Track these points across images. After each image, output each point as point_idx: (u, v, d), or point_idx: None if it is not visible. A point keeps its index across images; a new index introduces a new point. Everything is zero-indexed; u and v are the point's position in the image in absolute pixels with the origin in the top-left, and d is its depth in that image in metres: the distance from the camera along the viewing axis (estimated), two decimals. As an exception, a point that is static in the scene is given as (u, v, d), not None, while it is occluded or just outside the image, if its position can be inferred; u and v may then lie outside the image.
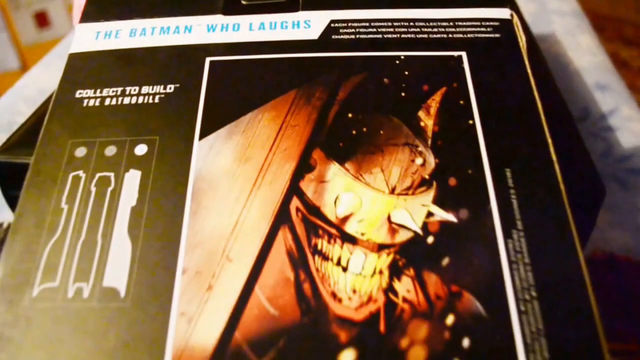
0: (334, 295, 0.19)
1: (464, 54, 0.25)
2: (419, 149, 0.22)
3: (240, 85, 0.24)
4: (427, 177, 0.22)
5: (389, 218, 0.21)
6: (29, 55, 1.70)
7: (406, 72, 0.25)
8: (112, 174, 0.22)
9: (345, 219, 0.21)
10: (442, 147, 0.22)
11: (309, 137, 0.23)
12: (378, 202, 0.21)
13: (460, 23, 0.26)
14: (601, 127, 0.46)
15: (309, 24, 0.27)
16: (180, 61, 0.26)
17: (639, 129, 0.46)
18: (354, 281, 0.19)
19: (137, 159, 0.22)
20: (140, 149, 0.23)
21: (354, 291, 0.19)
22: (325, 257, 0.20)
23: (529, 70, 0.25)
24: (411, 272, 0.20)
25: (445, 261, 0.20)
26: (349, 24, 0.27)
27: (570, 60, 0.55)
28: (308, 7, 0.28)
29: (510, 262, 0.20)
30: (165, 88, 0.25)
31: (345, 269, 0.20)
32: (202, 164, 0.22)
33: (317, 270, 0.20)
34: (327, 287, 0.19)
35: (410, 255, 0.20)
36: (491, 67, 0.25)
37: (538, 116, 0.23)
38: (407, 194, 0.21)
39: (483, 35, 0.26)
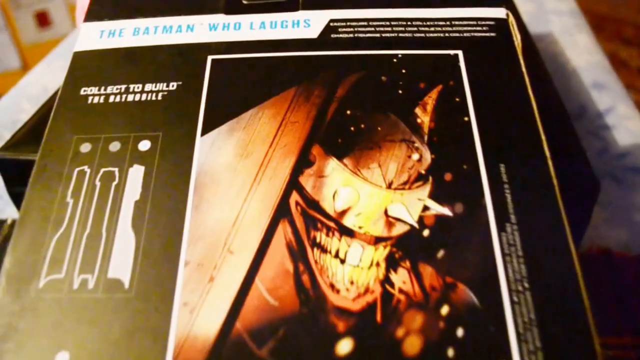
0: (332, 286, 0.20)
1: (460, 53, 0.26)
2: (416, 145, 0.23)
3: (241, 83, 0.25)
4: (423, 172, 0.22)
5: (385, 212, 0.21)
6: (29, 54, 1.70)
7: (403, 70, 0.25)
8: (116, 169, 0.23)
9: (343, 212, 0.21)
10: (438, 143, 0.23)
11: (308, 133, 0.23)
12: (375, 197, 0.22)
13: (456, 22, 0.27)
14: (598, 125, 0.47)
15: (309, 23, 0.27)
16: (182, 59, 0.26)
17: (635, 127, 0.46)
18: (352, 273, 0.20)
19: (140, 154, 0.23)
20: (144, 145, 0.23)
21: (352, 282, 0.20)
22: (323, 250, 0.20)
23: (523, 69, 0.25)
24: (407, 264, 0.20)
25: (441, 254, 0.20)
26: (348, 23, 0.27)
27: (567, 60, 0.55)
28: (308, 6, 0.28)
29: (503, 255, 0.20)
30: (168, 86, 0.25)
31: (343, 261, 0.20)
32: (204, 160, 0.23)
33: (315, 262, 0.20)
34: (326, 278, 0.20)
35: (407, 247, 0.20)
36: (487, 65, 0.25)
37: (532, 113, 0.24)
38: (403, 189, 0.22)
39: (479, 34, 0.26)
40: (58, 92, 0.39)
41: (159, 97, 0.25)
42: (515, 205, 0.21)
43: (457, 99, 0.24)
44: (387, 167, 0.22)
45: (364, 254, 0.20)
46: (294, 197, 0.22)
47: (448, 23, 0.27)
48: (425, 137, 0.23)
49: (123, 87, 0.25)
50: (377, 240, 0.21)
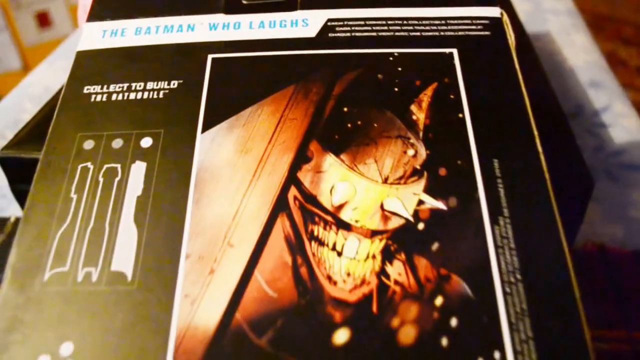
0: (329, 278, 0.20)
1: (455, 51, 0.26)
2: (411, 141, 0.23)
3: (240, 81, 0.26)
4: (418, 167, 0.23)
5: (381, 206, 0.22)
6: (30, 55, 1.71)
7: (399, 68, 0.26)
8: (119, 165, 0.23)
9: (340, 207, 0.22)
10: (433, 139, 0.23)
11: (306, 130, 0.24)
12: (372, 191, 0.22)
13: (451, 21, 0.27)
14: (594, 123, 0.47)
15: (307, 23, 0.28)
16: (183, 58, 0.27)
17: (631, 125, 0.47)
18: (348, 265, 0.21)
19: (142, 151, 0.23)
20: (146, 142, 0.24)
21: (348, 274, 0.20)
22: (321, 243, 0.21)
23: (517, 66, 0.26)
24: (402, 256, 0.21)
25: (435, 246, 0.21)
26: (345, 23, 0.28)
27: (564, 59, 0.56)
28: (306, 6, 0.29)
29: (496, 247, 0.21)
30: (169, 84, 0.26)
31: (340, 254, 0.21)
32: (204, 156, 0.23)
33: (313, 255, 0.21)
34: (323, 270, 0.20)
35: (402, 240, 0.21)
36: (481, 63, 0.26)
37: (525, 110, 0.24)
38: (399, 184, 0.22)
39: (474, 33, 0.27)
40: (60, 91, 0.40)
41: (161, 95, 0.25)
42: (508, 199, 0.22)
43: (452, 96, 0.25)
44: (383, 163, 0.23)
45: (361, 246, 0.21)
46: (293, 192, 0.22)
47: (443, 22, 0.27)
48: (421, 134, 0.24)
49: (125, 85, 0.26)
50: (373, 234, 0.21)
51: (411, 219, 0.21)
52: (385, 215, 0.21)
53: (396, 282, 0.20)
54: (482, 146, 0.23)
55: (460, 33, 0.27)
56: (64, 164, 0.23)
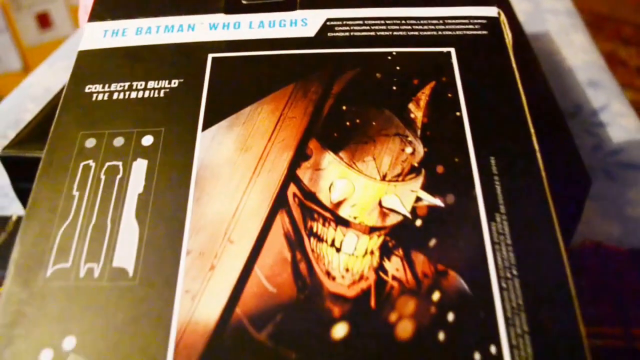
0: (328, 273, 0.21)
1: (452, 50, 0.26)
2: (409, 139, 0.24)
3: (240, 80, 0.26)
4: (416, 165, 0.23)
5: (380, 203, 0.22)
6: (30, 56, 1.71)
7: (398, 67, 0.26)
8: (120, 163, 0.23)
9: (339, 203, 0.22)
10: (431, 137, 0.24)
11: (305, 128, 0.24)
12: (370, 188, 0.22)
13: (449, 21, 0.28)
14: (592, 122, 0.48)
15: (306, 22, 0.28)
16: (183, 58, 0.27)
17: (629, 125, 0.47)
18: (347, 261, 0.21)
19: (143, 149, 0.24)
20: (147, 140, 0.24)
21: (347, 270, 0.21)
22: (320, 239, 0.21)
23: (514, 65, 0.26)
24: (400, 252, 0.21)
25: (433, 242, 0.21)
26: (344, 22, 0.28)
27: (563, 58, 0.56)
28: (305, 6, 0.29)
29: (493, 243, 0.21)
30: (170, 83, 0.26)
31: (338, 250, 0.21)
32: (205, 154, 0.24)
33: (312, 250, 0.21)
34: (322, 266, 0.21)
35: (400, 237, 0.21)
36: (478, 62, 0.26)
37: (522, 108, 0.24)
38: (397, 181, 0.23)
39: (471, 32, 0.27)
40: (61, 91, 0.40)
41: (161, 94, 0.26)
42: (505, 196, 0.22)
43: (450, 95, 0.25)
44: (382, 160, 0.23)
45: (359, 243, 0.21)
46: (292, 189, 0.22)
47: (441, 22, 0.28)
48: (418, 132, 0.24)
49: (126, 84, 0.26)
50: (372, 230, 0.21)
51: (409, 215, 0.22)
52: (383, 212, 0.22)
53: (394, 278, 0.20)
54: (479, 144, 0.23)
55: (457, 32, 0.27)
56: (66, 162, 0.24)
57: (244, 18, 0.29)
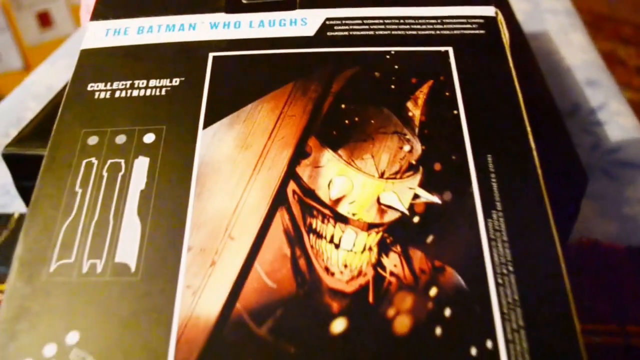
0: (327, 269, 0.21)
1: (450, 49, 0.27)
2: (407, 137, 0.24)
3: (241, 79, 0.26)
4: (414, 162, 0.23)
5: (378, 200, 0.22)
6: (31, 54, 1.72)
7: (396, 66, 0.26)
8: (122, 160, 0.24)
9: (338, 200, 0.22)
10: (429, 135, 0.24)
11: (305, 126, 0.24)
12: (368, 186, 0.23)
13: (447, 20, 0.28)
14: (591, 121, 0.48)
15: (306, 22, 0.29)
16: (185, 56, 0.27)
17: (627, 123, 0.47)
18: (346, 257, 0.21)
19: (145, 146, 0.24)
20: (149, 138, 0.24)
21: (346, 266, 0.21)
22: (319, 235, 0.22)
23: (511, 64, 0.26)
24: (398, 248, 0.21)
25: (430, 239, 0.21)
26: (343, 22, 0.28)
27: (562, 58, 0.56)
28: (305, 5, 0.29)
29: (489, 240, 0.21)
30: (171, 81, 0.26)
31: (337, 246, 0.21)
32: (205, 151, 0.24)
33: (311, 247, 0.21)
34: (321, 262, 0.21)
35: (398, 233, 0.22)
36: (476, 61, 0.26)
37: (519, 107, 0.25)
38: (395, 178, 0.23)
39: (469, 31, 0.28)
40: (63, 90, 0.41)
41: (163, 93, 0.26)
42: (501, 194, 0.22)
43: (447, 94, 0.25)
44: (380, 158, 0.23)
45: (357, 239, 0.22)
46: (291, 186, 0.23)
47: (439, 21, 0.28)
48: (416, 130, 0.24)
49: (128, 83, 0.26)
50: (370, 227, 0.22)
51: (407, 212, 0.22)
52: (382, 208, 0.22)
53: (392, 274, 0.21)
54: (476, 142, 0.24)
55: (455, 32, 0.27)
56: (68, 159, 0.24)
57: (244, 17, 0.29)
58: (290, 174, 0.23)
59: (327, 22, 0.28)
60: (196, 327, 0.20)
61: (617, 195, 0.40)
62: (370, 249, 0.21)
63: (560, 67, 0.55)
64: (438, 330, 0.20)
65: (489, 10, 0.28)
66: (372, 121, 0.24)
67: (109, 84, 0.26)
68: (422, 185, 0.23)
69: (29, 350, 0.19)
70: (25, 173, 0.35)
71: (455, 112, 0.25)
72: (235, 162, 0.23)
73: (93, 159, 0.24)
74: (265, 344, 0.19)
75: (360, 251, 0.21)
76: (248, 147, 0.24)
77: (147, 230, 0.22)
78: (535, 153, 0.23)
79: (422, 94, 0.25)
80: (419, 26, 0.28)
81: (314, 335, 0.20)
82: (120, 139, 0.24)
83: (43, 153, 0.34)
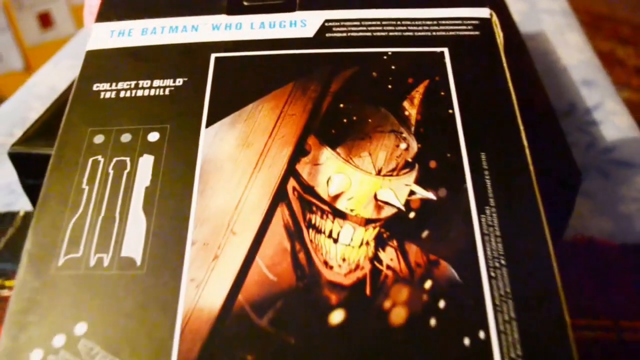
0: (325, 263, 0.22)
1: (446, 50, 0.28)
2: (403, 135, 0.25)
3: (242, 79, 0.27)
4: (410, 160, 0.24)
5: (375, 196, 0.23)
6: (32, 55, 1.72)
7: (393, 67, 0.27)
8: (127, 158, 0.24)
9: (336, 197, 0.23)
10: (424, 134, 0.25)
11: (304, 125, 0.25)
12: (366, 183, 0.23)
13: (443, 22, 0.29)
14: (586, 121, 0.48)
15: (305, 23, 0.29)
16: (187, 57, 0.28)
17: (622, 123, 0.48)
18: (344, 251, 0.22)
19: (150, 145, 0.25)
20: (153, 136, 0.25)
21: (344, 260, 0.22)
22: (318, 230, 0.22)
23: (505, 65, 0.27)
24: (394, 243, 0.22)
25: (425, 234, 0.22)
26: (342, 23, 0.29)
27: (558, 58, 0.57)
28: (304, 7, 0.30)
29: (482, 235, 0.22)
30: (174, 81, 0.27)
31: (336, 241, 0.22)
32: (208, 149, 0.25)
33: (311, 241, 0.22)
34: (320, 256, 0.22)
35: (394, 228, 0.22)
36: (471, 62, 0.27)
37: (512, 106, 0.26)
38: (391, 175, 0.24)
39: (464, 32, 0.28)
40: (67, 90, 0.41)
41: (166, 92, 0.27)
42: (494, 190, 0.23)
43: (443, 93, 0.26)
44: (377, 156, 0.24)
45: (355, 234, 0.22)
46: (291, 183, 0.24)
47: (435, 22, 0.29)
48: (413, 128, 0.25)
49: (133, 83, 0.27)
50: (367, 222, 0.22)
51: (403, 208, 0.23)
52: (379, 204, 0.23)
53: (388, 267, 0.21)
54: (470, 140, 0.24)
55: (451, 33, 0.28)
56: (75, 157, 0.25)
57: (245, 19, 0.30)
58: (290, 171, 0.24)
59: (326, 24, 0.29)
60: (200, 319, 0.21)
61: (612, 193, 0.41)
62: (367, 243, 0.22)
63: (557, 67, 0.55)
64: (433, 321, 0.20)
65: (483, 12, 0.29)
66: (370, 120, 0.25)
67: (114, 84, 0.27)
68: (418, 182, 0.23)
69: (38, 341, 0.20)
70: (31, 171, 0.36)
71: (450, 111, 0.25)
72: (237, 160, 0.24)
73: (99, 157, 0.25)
74: (266, 335, 0.20)
75: (357, 245, 0.22)
76: (249, 145, 0.25)
77: (152, 226, 0.23)
78: (527, 151, 0.24)
79: (418, 93, 0.26)
80: (415, 27, 0.29)
81: (313, 326, 0.20)
82: (126, 137, 0.25)
83: (48, 152, 0.34)
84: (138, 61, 0.28)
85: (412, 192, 0.23)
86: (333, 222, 0.23)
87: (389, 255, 0.22)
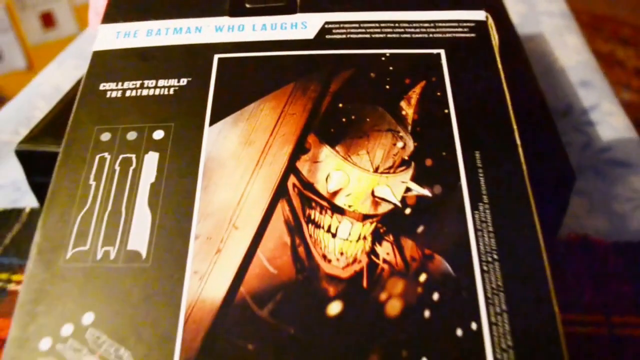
0: (324, 257, 0.22)
1: (442, 52, 0.28)
2: (400, 134, 0.26)
3: (244, 79, 0.28)
4: (406, 158, 0.25)
5: (372, 193, 0.24)
6: (35, 54, 1.73)
7: (391, 68, 0.28)
8: (133, 155, 0.25)
9: (335, 193, 0.24)
10: (421, 133, 0.26)
11: (304, 124, 0.26)
12: (363, 180, 0.24)
13: (439, 24, 0.30)
14: (583, 121, 0.49)
15: (306, 25, 0.30)
16: (191, 58, 0.29)
17: (618, 124, 0.49)
18: (342, 245, 0.23)
19: (155, 142, 0.26)
20: (158, 134, 0.26)
21: (342, 253, 0.22)
22: (317, 225, 0.23)
23: (500, 67, 0.28)
24: (390, 238, 0.23)
25: (420, 229, 0.23)
26: (341, 25, 0.30)
27: (556, 59, 0.58)
28: (305, 10, 0.31)
29: (476, 230, 0.23)
30: (179, 81, 0.28)
31: (334, 235, 0.23)
32: (211, 147, 0.25)
33: (310, 236, 0.23)
34: (319, 250, 0.23)
35: (390, 224, 0.23)
36: (466, 63, 0.28)
37: (506, 106, 0.26)
38: (388, 173, 0.24)
39: (460, 35, 0.29)
40: (71, 89, 0.42)
41: (171, 92, 0.27)
42: (488, 188, 0.24)
43: (439, 94, 0.27)
44: (375, 154, 0.25)
45: (353, 229, 0.23)
46: (292, 179, 0.24)
47: (432, 25, 0.30)
48: (409, 127, 0.26)
49: (138, 82, 0.28)
50: (365, 218, 0.23)
51: (399, 204, 0.24)
52: (376, 201, 0.24)
53: (384, 261, 0.22)
54: (465, 139, 0.25)
55: (447, 35, 0.29)
56: (83, 154, 0.25)
57: (247, 21, 0.30)
58: (291, 168, 0.25)
59: (326, 26, 0.30)
60: (203, 310, 0.21)
61: (607, 192, 0.42)
62: (364, 238, 0.23)
63: (555, 68, 0.56)
64: (427, 313, 0.21)
65: (479, 15, 0.30)
66: (368, 119, 0.26)
67: (120, 83, 0.28)
68: (414, 179, 0.24)
69: (47, 330, 0.21)
70: (37, 169, 0.37)
71: (446, 111, 0.26)
72: (239, 157, 0.25)
73: (106, 154, 0.25)
74: (266, 325, 0.21)
75: (355, 240, 0.23)
76: (251, 143, 0.25)
77: (157, 220, 0.23)
78: (520, 150, 0.25)
79: (415, 94, 0.27)
80: (412, 30, 0.29)
81: (311, 317, 0.21)
82: (131, 135, 0.26)
83: (55, 149, 0.35)
84: (143, 61, 0.29)
85: (408, 189, 0.24)
86: (332, 217, 0.23)
87: (385, 250, 0.22)
